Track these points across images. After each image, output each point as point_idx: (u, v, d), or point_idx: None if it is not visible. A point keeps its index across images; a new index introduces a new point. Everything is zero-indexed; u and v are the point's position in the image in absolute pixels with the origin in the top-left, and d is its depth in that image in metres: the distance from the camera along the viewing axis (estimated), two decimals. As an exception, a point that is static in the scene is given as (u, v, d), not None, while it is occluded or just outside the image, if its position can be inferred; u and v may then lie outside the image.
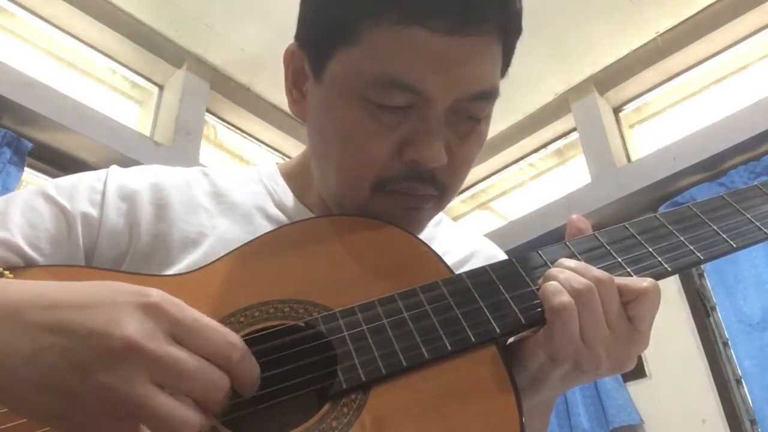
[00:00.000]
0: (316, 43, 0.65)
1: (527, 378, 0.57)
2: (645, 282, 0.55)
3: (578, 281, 0.54)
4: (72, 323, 0.43)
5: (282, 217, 0.71)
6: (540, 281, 0.56)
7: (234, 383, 0.46)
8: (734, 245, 0.60)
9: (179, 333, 0.44)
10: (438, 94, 0.60)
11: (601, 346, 0.53)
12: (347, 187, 0.65)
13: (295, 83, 0.70)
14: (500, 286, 0.58)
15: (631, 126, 3.65)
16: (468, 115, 0.63)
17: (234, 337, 0.46)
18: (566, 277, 0.54)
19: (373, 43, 0.59)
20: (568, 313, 0.52)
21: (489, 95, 0.63)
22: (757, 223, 0.61)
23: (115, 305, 0.44)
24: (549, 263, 0.59)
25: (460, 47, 0.59)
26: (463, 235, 0.82)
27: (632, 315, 0.55)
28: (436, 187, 0.64)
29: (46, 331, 0.43)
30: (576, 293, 0.53)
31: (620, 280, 0.55)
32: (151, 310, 0.44)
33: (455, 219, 4.17)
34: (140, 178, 0.72)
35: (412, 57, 0.59)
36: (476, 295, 0.57)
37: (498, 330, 0.54)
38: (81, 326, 0.43)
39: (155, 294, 0.45)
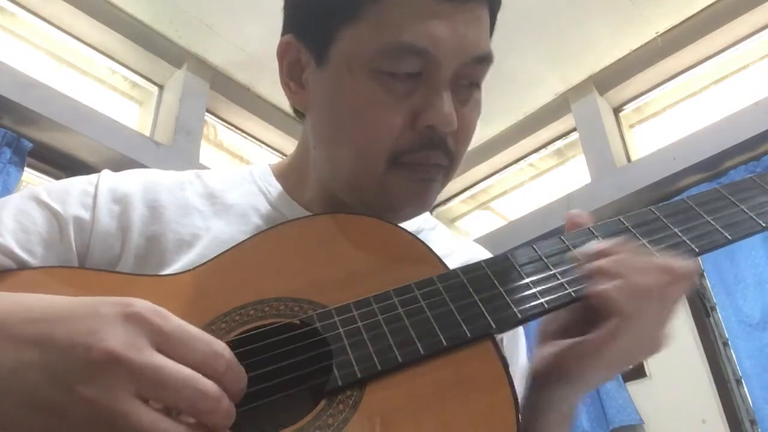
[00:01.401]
0: (316, 29, 0.66)
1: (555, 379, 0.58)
2: (682, 262, 0.56)
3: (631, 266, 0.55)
4: (53, 336, 0.43)
5: (276, 216, 0.71)
6: (577, 270, 0.57)
7: None
8: (729, 237, 0.60)
9: (163, 343, 0.43)
10: (446, 58, 0.62)
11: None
12: (362, 164, 0.66)
13: (291, 75, 0.70)
14: (495, 281, 0.58)
15: (631, 126, 3.64)
16: (469, 81, 0.66)
17: (220, 346, 0.46)
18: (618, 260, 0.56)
19: (380, 13, 0.62)
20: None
21: (488, 59, 0.66)
22: (751, 214, 0.61)
23: (97, 316, 0.43)
24: (543, 258, 0.60)
25: (462, 12, 0.63)
26: (458, 242, 0.82)
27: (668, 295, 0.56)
28: (447, 155, 0.66)
29: (28, 345, 0.43)
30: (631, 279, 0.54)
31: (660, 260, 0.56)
32: (133, 321, 0.43)
33: (455, 219, 4.18)
34: (132, 181, 0.72)
35: (421, 22, 0.61)
36: (471, 290, 0.57)
37: (493, 325, 0.54)
38: (62, 339, 0.43)
39: (138, 304, 0.44)
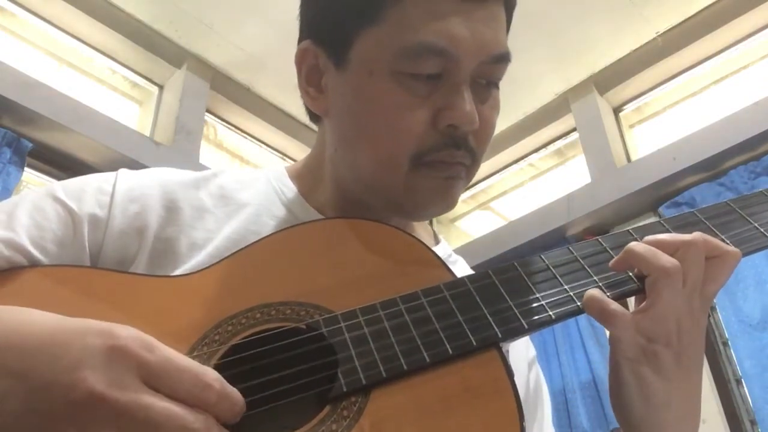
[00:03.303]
0: (336, 33, 0.67)
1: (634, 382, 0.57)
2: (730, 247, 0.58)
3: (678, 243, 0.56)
4: (35, 369, 0.42)
5: (288, 218, 0.71)
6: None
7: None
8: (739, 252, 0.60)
9: (150, 376, 0.43)
10: (466, 57, 0.63)
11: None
12: (386, 166, 0.66)
13: (309, 81, 0.71)
14: (502, 290, 0.58)
15: (631, 126, 3.64)
16: (487, 80, 0.67)
17: (209, 377, 0.44)
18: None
19: (400, 15, 0.62)
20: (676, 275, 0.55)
21: (506, 58, 0.67)
22: (762, 230, 0.61)
23: (82, 349, 0.43)
24: (551, 267, 0.60)
25: (480, 11, 0.63)
26: None
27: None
28: (469, 154, 0.66)
29: (9, 374, 0.42)
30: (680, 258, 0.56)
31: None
32: (118, 354, 0.42)
33: (455, 219, 4.18)
34: (150, 181, 0.72)
35: (441, 22, 0.62)
36: (478, 299, 0.57)
37: (500, 334, 0.54)
38: (44, 373, 0.42)
39: (123, 335, 0.43)
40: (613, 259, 0.59)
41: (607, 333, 0.58)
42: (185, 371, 0.44)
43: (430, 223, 0.87)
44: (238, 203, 0.72)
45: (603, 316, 0.55)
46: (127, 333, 0.44)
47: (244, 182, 0.75)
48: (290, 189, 0.75)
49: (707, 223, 0.62)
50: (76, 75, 3.13)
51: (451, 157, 0.65)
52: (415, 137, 0.64)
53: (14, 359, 0.43)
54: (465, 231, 4.18)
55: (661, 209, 3.10)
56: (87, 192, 0.68)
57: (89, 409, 0.40)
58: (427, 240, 0.79)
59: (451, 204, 0.69)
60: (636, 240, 0.61)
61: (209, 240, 0.68)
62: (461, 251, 0.85)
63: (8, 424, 0.41)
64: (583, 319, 3.10)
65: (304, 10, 0.72)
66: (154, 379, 0.43)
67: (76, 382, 0.41)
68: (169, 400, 0.42)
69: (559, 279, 0.59)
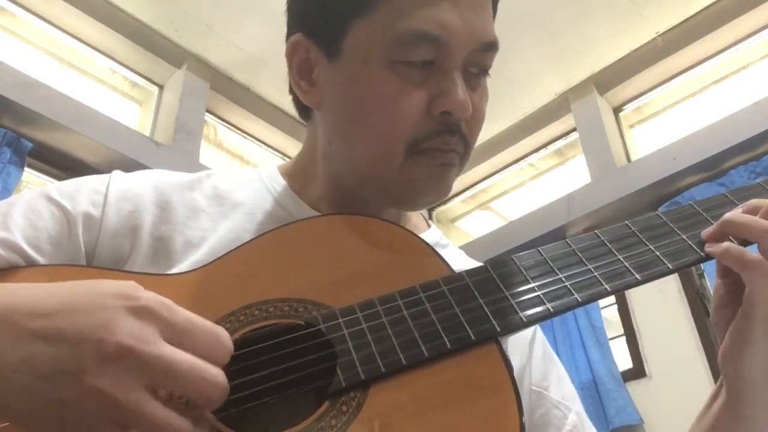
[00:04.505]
0: (328, 25, 0.67)
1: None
2: None
3: None
4: (62, 329, 0.43)
5: (282, 215, 0.71)
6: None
7: None
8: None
9: (172, 334, 0.44)
10: (458, 44, 0.64)
11: None
12: (382, 154, 0.66)
13: (301, 74, 0.71)
14: (500, 285, 0.57)
15: (631, 126, 3.65)
16: (478, 68, 0.67)
17: (224, 337, 0.46)
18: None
19: (392, 4, 0.64)
20: None
21: (495, 45, 0.68)
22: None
23: (105, 310, 0.44)
24: (549, 261, 0.59)
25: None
26: (470, 261, 0.82)
27: None
28: (462, 141, 0.67)
29: (36, 338, 0.43)
30: None
31: None
32: (141, 313, 0.44)
33: (455, 219, 4.18)
34: (144, 181, 0.72)
35: (433, 10, 0.63)
36: (476, 293, 0.57)
37: (498, 328, 0.54)
38: (72, 332, 0.43)
39: (145, 296, 0.45)
40: (710, 227, 0.60)
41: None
42: (202, 330, 0.46)
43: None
44: (232, 203, 0.72)
45: (742, 262, 0.56)
46: (147, 294, 0.45)
47: (237, 182, 0.76)
48: (283, 187, 0.75)
49: (705, 215, 0.61)
50: (76, 75, 3.14)
51: (445, 144, 0.66)
52: (411, 124, 0.64)
53: (38, 324, 0.44)
54: (465, 231, 4.19)
55: (660, 209, 3.10)
56: (81, 192, 0.69)
57: (118, 361, 0.42)
58: (420, 226, 0.80)
59: (445, 192, 0.69)
60: (635, 232, 0.61)
61: (204, 239, 0.68)
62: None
63: (40, 388, 0.42)
64: (583, 318, 3.10)
65: (292, 3, 0.73)
66: (176, 336, 0.44)
67: (106, 338, 0.42)
68: (188, 354, 0.44)
69: (557, 272, 0.59)
